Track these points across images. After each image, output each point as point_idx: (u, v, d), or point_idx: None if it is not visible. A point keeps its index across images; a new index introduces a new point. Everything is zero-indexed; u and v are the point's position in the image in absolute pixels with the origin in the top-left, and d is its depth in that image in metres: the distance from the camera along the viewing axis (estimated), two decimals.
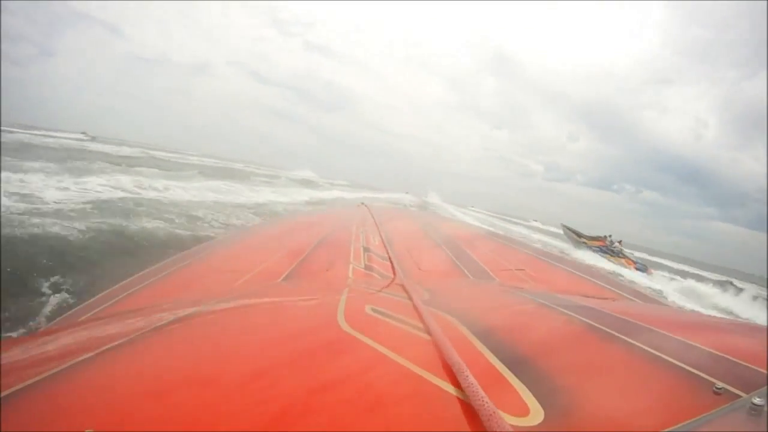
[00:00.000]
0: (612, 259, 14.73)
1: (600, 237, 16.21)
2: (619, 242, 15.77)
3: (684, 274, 18.38)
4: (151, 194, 8.52)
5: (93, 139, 34.47)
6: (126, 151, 24.53)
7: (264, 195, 13.24)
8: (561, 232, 19.64)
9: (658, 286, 11.57)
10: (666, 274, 15.41)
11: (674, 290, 11.64)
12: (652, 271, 14.79)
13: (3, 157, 9.38)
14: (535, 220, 66.94)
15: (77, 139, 29.46)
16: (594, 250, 15.36)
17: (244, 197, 11.49)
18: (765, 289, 15.56)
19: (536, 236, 23.26)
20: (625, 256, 15.15)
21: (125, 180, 9.42)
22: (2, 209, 4.89)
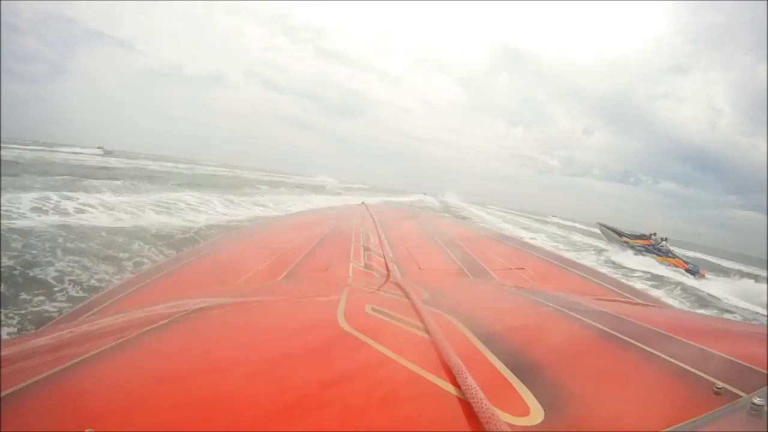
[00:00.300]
0: (661, 259, 13.25)
1: (644, 235, 14.68)
2: (665, 240, 14.55)
3: (730, 272, 15.29)
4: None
5: (110, 153, 34.83)
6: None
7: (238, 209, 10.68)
8: (595, 229, 18.53)
9: (714, 290, 10.44)
10: (713, 275, 13.43)
11: (733, 294, 10.11)
12: (705, 273, 12.86)
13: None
14: (554, 216, 65.74)
15: (95, 155, 29.82)
16: (638, 249, 14.16)
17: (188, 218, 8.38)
18: None
19: (576, 237, 21.48)
20: (674, 256, 13.52)
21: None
22: None
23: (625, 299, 1.42)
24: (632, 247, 14.29)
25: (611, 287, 1.59)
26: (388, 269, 1.57)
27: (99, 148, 35.87)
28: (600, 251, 15.53)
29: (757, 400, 0.44)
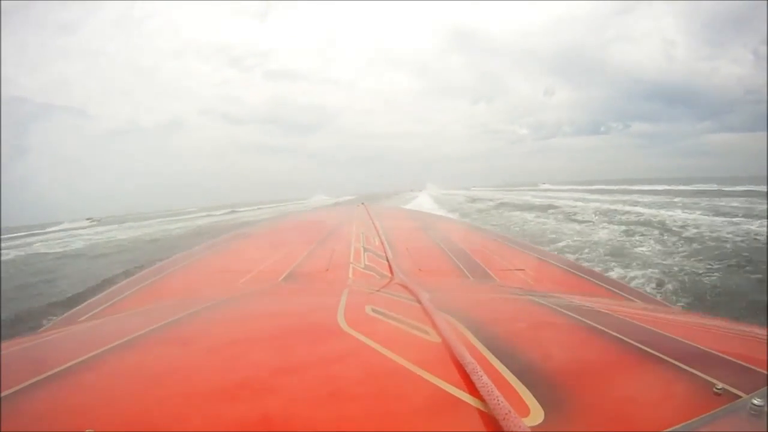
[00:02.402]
0: None
1: None
2: None
3: None
4: None
5: (99, 222, 34.94)
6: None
7: None
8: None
9: None
10: None
11: None
12: None
13: None
14: (544, 183, 66.12)
15: (85, 227, 29.83)
16: None
17: None
18: None
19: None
20: None
21: None
22: None
23: (625, 300, 1.42)
24: None
25: (611, 288, 1.59)
26: (391, 270, 1.57)
27: (88, 219, 36.04)
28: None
29: (757, 401, 0.44)
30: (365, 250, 2.05)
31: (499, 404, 0.44)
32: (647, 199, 17.51)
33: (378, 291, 1.23)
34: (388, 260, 1.74)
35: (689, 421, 0.43)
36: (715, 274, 4.81)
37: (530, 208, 15.69)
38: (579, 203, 16.08)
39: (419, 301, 0.87)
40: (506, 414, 0.42)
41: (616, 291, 1.54)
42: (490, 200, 23.46)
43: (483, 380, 0.48)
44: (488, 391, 0.46)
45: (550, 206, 15.04)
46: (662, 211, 11.35)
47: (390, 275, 1.54)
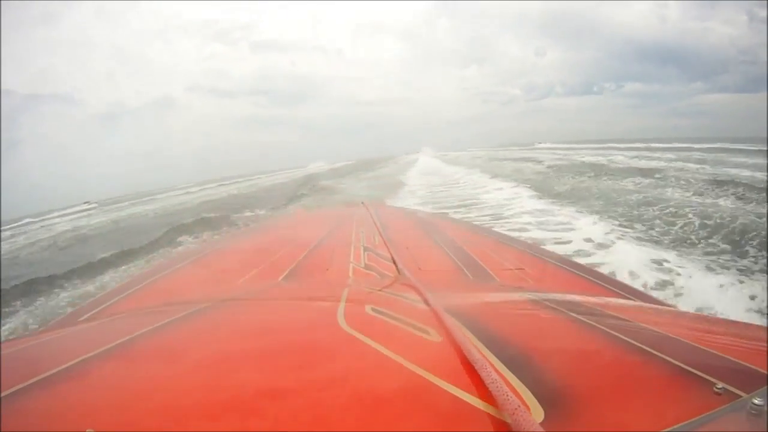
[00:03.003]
0: None
1: None
2: None
3: None
4: None
5: (98, 205, 34.78)
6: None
7: None
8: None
9: None
10: None
11: None
12: None
13: None
14: (540, 143, 65.49)
15: (84, 210, 29.72)
16: None
17: None
18: None
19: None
20: None
21: None
22: None
23: (625, 299, 1.43)
24: None
25: (611, 287, 1.60)
26: (397, 269, 1.58)
27: (86, 203, 35.83)
28: None
29: (757, 401, 0.44)
30: (365, 249, 2.05)
31: (508, 401, 0.43)
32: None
33: (380, 291, 1.23)
34: (393, 260, 1.73)
35: (689, 421, 0.43)
36: None
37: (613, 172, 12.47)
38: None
39: (426, 301, 0.87)
40: (517, 414, 0.41)
41: (616, 290, 1.55)
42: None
43: (492, 376, 0.48)
44: (497, 389, 0.46)
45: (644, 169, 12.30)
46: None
47: (393, 275, 1.55)
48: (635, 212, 6.71)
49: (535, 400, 0.48)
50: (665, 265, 3.99)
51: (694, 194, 8.21)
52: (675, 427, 0.43)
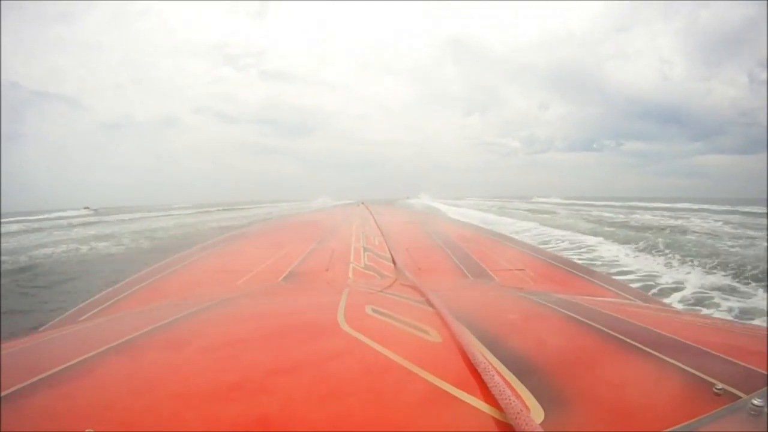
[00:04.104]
0: None
1: None
2: None
3: None
4: None
5: (96, 212, 34.61)
6: None
7: None
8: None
9: None
10: None
11: None
12: None
13: None
14: (538, 197, 66.23)
15: (83, 216, 29.47)
16: None
17: None
18: None
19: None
20: None
21: None
22: None
23: (625, 300, 1.43)
24: None
25: (611, 288, 1.60)
26: (397, 269, 1.57)
27: (85, 208, 35.71)
28: None
29: (757, 401, 0.44)
30: (365, 249, 2.05)
31: (510, 404, 0.43)
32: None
33: (380, 291, 1.23)
34: (393, 261, 1.74)
35: (689, 421, 0.43)
36: None
37: None
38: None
39: (428, 301, 0.87)
40: (518, 414, 0.42)
41: (616, 291, 1.54)
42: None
43: (495, 380, 0.48)
44: (500, 391, 0.46)
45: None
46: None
47: (391, 275, 1.54)
48: None
49: (535, 401, 0.48)
50: None
51: None
52: (675, 427, 0.42)
